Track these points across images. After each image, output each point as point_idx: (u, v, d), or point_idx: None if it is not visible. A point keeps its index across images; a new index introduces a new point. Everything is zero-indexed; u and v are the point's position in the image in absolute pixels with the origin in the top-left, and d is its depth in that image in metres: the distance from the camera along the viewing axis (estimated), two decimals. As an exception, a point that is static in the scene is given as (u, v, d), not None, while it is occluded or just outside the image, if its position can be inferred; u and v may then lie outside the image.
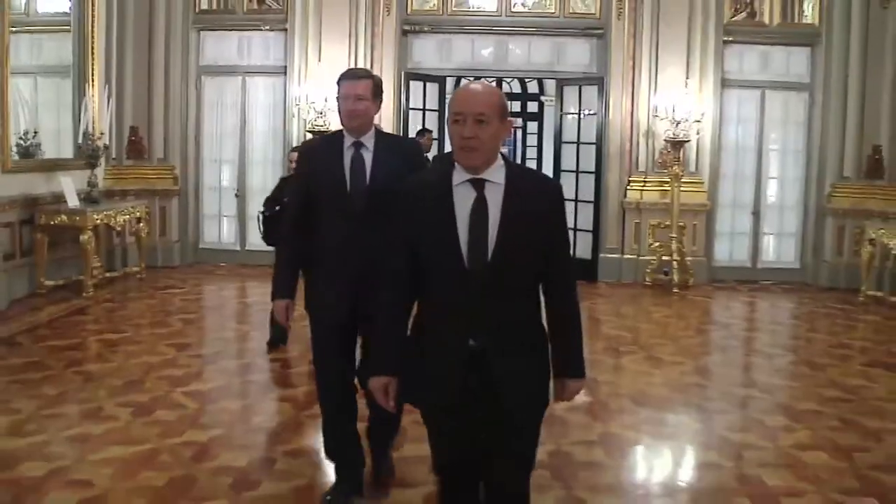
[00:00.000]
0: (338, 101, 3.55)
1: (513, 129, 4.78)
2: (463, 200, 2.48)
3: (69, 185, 8.60)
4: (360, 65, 9.85)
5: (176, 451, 4.40)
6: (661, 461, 4.53)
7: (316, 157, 3.67)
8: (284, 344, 6.56)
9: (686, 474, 4.38)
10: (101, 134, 9.06)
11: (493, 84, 2.32)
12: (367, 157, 3.54)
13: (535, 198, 2.52)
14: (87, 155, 8.95)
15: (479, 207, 2.47)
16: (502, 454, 2.61)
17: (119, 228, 9.61)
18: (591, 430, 4.92)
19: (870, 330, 7.98)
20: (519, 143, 20.25)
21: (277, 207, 6.25)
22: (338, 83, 3.56)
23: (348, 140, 3.56)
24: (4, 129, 8.01)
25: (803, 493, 4.05)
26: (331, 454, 3.84)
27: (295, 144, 6.79)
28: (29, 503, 3.72)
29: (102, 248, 9.44)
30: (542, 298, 2.65)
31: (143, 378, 5.66)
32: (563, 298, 2.64)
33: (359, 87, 3.49)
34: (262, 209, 6.54)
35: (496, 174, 2.50)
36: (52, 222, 8.41)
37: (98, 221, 8.75)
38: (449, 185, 2.51)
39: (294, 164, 5.89)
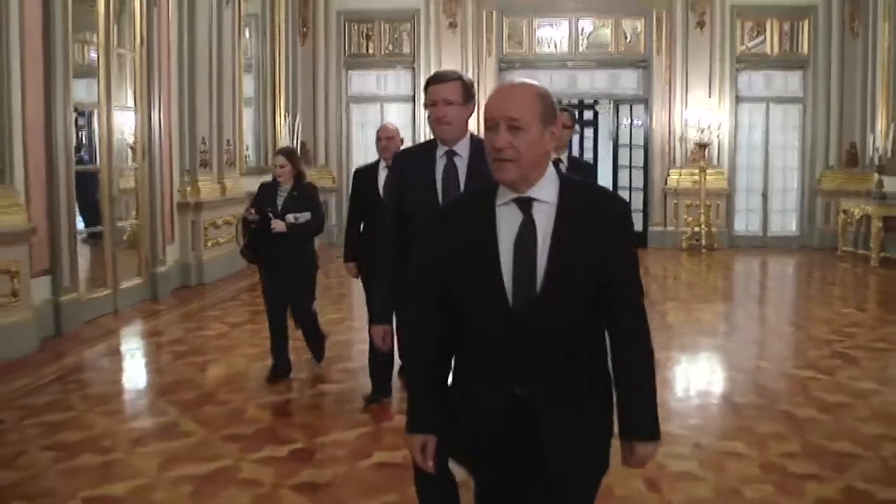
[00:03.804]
0: (426, 107, 3.15)
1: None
2: (507, 224, 2.04)
3: (277, 184, 12.40)
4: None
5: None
6: (683, 333, 8.18)
7: (407, 166, 3.29)
8: (285, 376, 5.87)
9: (690, 336, 8.03)
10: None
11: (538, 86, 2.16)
12: (462, 165, 3.12)
13: (595, 220, 2.05)
14: (285, 163, 12.76)
15: (526, 233, 2.03)
16: None
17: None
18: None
19: (837, 271, 11.48)
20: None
21: (254, 219, 5.58)
22: (425, 89, 3.16)
23: (441, 149, 3.16)
24: (240, 145, 11.90)
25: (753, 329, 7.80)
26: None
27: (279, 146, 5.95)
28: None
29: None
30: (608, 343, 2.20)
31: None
32: (630, 342, 2.15)
33: (446, 90, 3.07)
34: (251, 215, 5.60)
35: (546, 191, 2.05)
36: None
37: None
38: (491, 205, 2.08)
39: (279, 169, 5.64)
